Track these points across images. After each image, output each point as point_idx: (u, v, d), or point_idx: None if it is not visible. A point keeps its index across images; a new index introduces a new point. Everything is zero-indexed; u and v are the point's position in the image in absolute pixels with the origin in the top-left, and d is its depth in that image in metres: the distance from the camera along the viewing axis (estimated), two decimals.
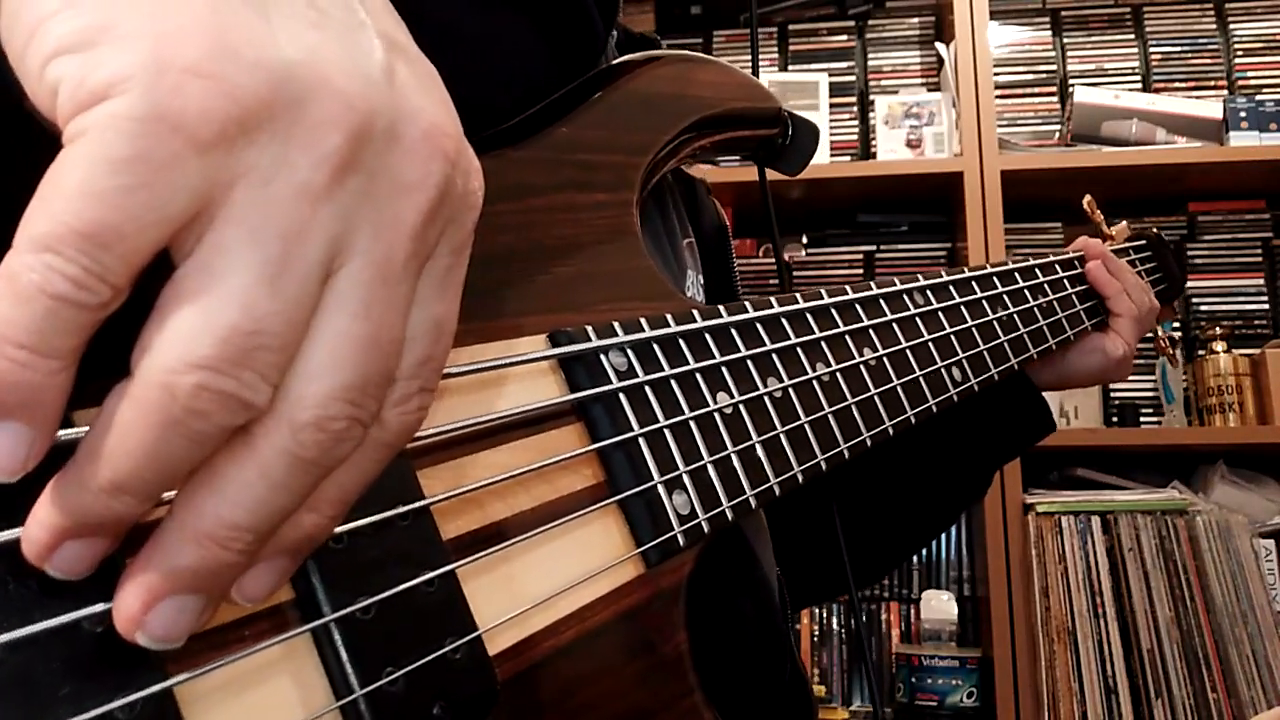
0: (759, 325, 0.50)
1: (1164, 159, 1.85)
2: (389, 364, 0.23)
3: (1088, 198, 1.02)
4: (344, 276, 0.22)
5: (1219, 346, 1.83)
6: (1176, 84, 2.05)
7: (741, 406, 0.46)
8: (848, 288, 0.57)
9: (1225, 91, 2.03)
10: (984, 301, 0.69)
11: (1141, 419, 1.95)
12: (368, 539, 0.30)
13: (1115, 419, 1.94)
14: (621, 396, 0.41)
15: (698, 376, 0.45)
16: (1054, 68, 2.10)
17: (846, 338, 0.55)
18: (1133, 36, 2.10)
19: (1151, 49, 2.07)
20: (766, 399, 0.48)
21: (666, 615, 0.41)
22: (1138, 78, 2.07)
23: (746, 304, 0.50)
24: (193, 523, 0.22)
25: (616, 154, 0.49)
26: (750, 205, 1.85)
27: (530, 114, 0.47)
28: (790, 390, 0.50)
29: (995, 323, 0.69)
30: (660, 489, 0.41)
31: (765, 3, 2.18)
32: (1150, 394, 1.95)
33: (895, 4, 2.19)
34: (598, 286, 0.45)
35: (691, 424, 0.44)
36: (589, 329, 0.41)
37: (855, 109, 2.12)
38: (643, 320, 0.44)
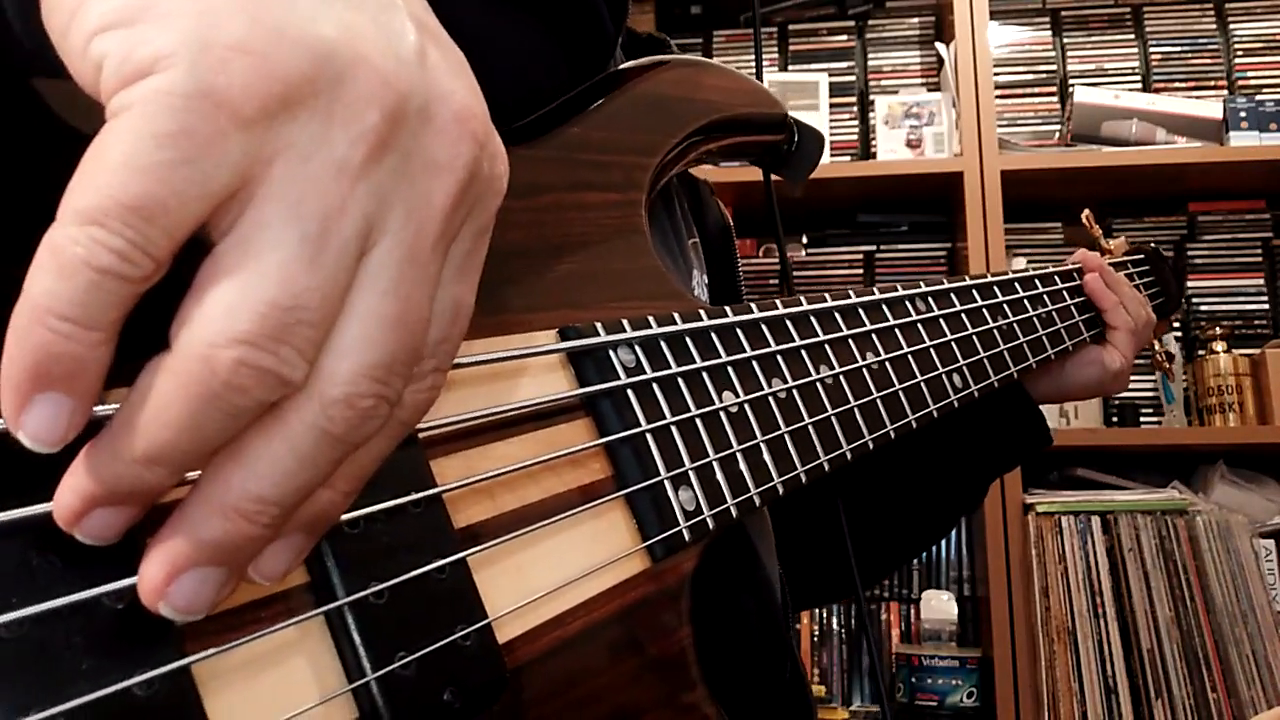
0: (764, 326, 0.50)
1: (1164, 159, 1.85)
2: (416, 342, 0.24)
3: (1086, 211, 1.03)
4: (376, 255, 0.23)
5: (1219, 346, 1.83)
6: (1176, 84, 2.05)
7: (746, 406, 0.47)
8: (851, 291, 0.58)
9: (1225, 91, 2.03)
10: (984, 310, 0.70)
11: (1141, 419, 1.95)
12: (381, 525, 0.31)
13: (1115, 419, 1.94)
14: (629, 392, 0.42)
15: (704, 375, 0.46)
16: (1054, 68, 2.11)
17: (850, 341, 0.56)
18: (1133, 36, 2.10)
19: (1151, 49, 2.08)
20: (771, 399, 0.48)
21: (671, 610, 0.41)
22: (1138, 78, 2.08)
23: (752, 305, 0.50)
24: (220, 495, 0.22)
25: (626, 155, 0.50)
26: (750, 205, 1.85)
27: (542, 114, 0.48)
28: (794, 391, 0.50)
29: (995, 331, 0.70)
30: (666, 484, 0.42)
31: (765, 2, 2.19)
32: (1150, 394, 1.95)
33: (895, 4, 2.20)
34: (606, 284, 0.45)
35: (697, 421, 0.44)
36: (598, 325, 0.42)
37: (855, 109, 2.12)
38: (651, 318, 0.44)
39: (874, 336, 0.58)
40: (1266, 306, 1.96)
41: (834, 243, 2.12)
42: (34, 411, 0.20)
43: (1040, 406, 0.84)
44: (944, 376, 0.62)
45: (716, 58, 2.14)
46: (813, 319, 0.54)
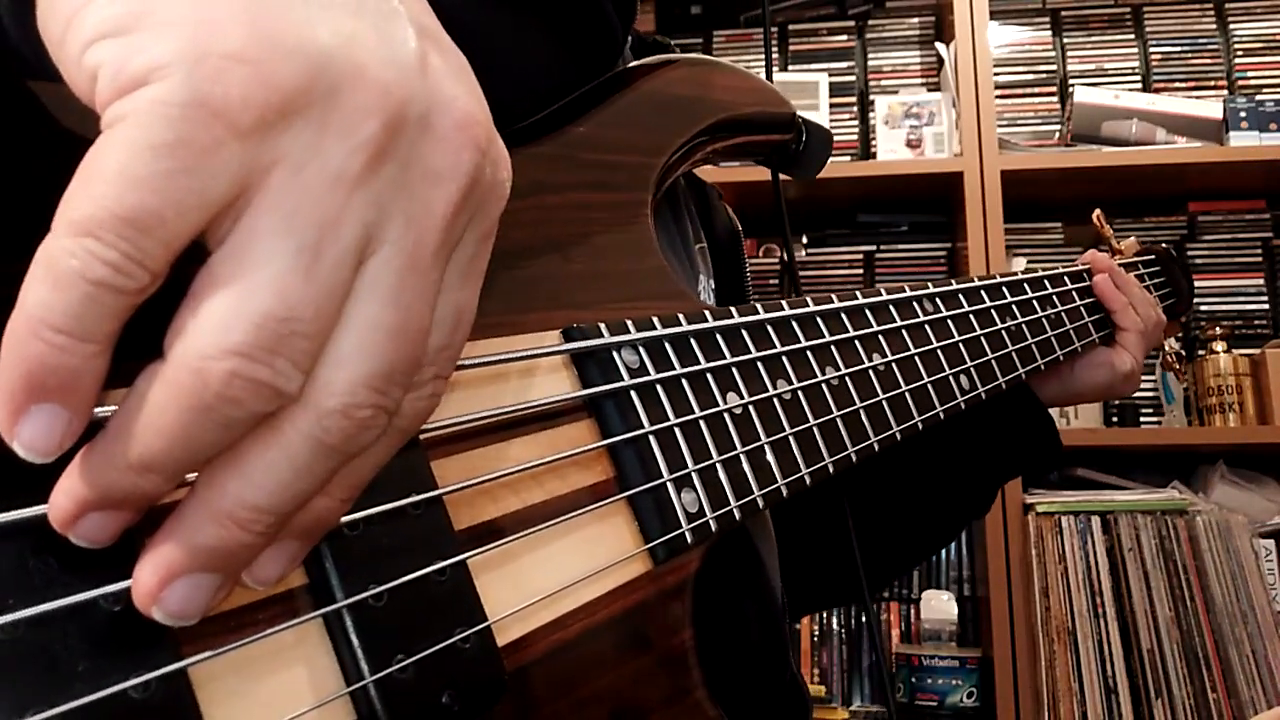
0: (769, 327, 0.50)
1: (1164, 159, 1.85)
2: (416, 352, 0.23)
3: (1097, 212, 1.02)
4: (375, 264, 0.22)
5: (1219, 346, 1.83)
6: (1176, 84, 2.05)
7: (751, 407, 0.47)
8: (858, 292, 0.57)
9: (1225, 91, 2.03)
10: (993, 311, 0.70)
11: (1141, 419, 1.95)
12: (381, 527, 0.30)
13: (1115, 419, 1.94)
14: (633, 394, 0.41)
15: (708, 376, 0.45)
16: (1054, 68, 2.11)
17: (856, 342, 0.55)
18: (1133, 36, 2.10)
19: (1151, 49, 2.08)
20: (775, 401, 0.48)
21: (672, 612, 0.41)
22: (1138, 78, 2.08)
23: (758, 306, 0.50)
24: (215, 502, 0.22)
25: (632, 154, 0.49)
26: (750, 205, 1.85)
27: (547, 113, 0.47)
28: (799, 393, 0.50)
29: (1004, 332, 0.70)
30: (669, 487, 0.41)
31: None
32: (1150, 394, 1.95)
33: (895, 4, 2.20)
34: (611, 285, 0.45)
35: (701, 423, 0.44)
36: (602, 326, 0.41)
37: (855, 109, 2.12)
38: (655, 319, 0.44)
39: (880, 338, 0.57)
40: (1266, 306, 1.96)
41: (834, 243, 2.11)
42: (29, 422, 0.20)
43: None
44: (951, 378, 0.62)
45: (717, 58, 2.13)
46: (818, 320, 0.53)
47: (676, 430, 0.43)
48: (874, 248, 2.09)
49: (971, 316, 0.67)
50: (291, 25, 0.21)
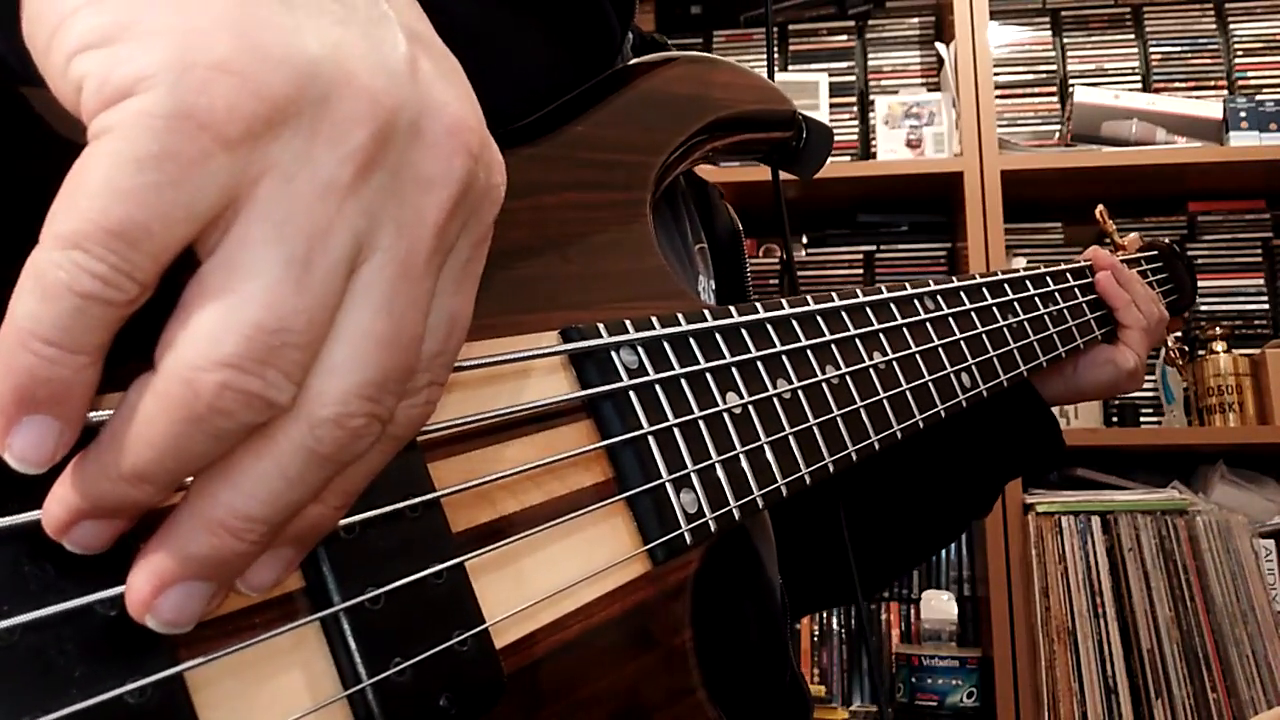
0: (769, 326, 0.50)
1: (1164, 159, 1.85)
2: (409, 360, 0.23)
3: (1100, 207, 1.02)
4: (367, 273, 0.22)
5: (1219, 346, 1.83)
6: (1176, 84, 2.05)
7: (750, 407, 0.47)
8: (858, 290, 0.57)
9: (1225, 91, 2.03)
10: (994, 308, 0.69)
11: (1141, 419, 1.95)
12: (378, 530, 0.30)
13: (1115, 419, 1.94)
14: (632, 394, 0.41)
15: (708, 376, 0.45)
16: (1054, 68, 2.11)
17: (856, 341, 0.55)
18: (1133, 36, 2.10)
19: (1151, 49, 2.08)
20: (775, 400, 0.48)
21: (671, 612, 0.41)
22: (1138, 78, 2.08)
23: (757, 305, 0.50)
24: (207, 511, 0.22)
25: (630, 153, 0.49)
26: (750, 205, 1.85)
27: (545, 113, 0.47)
28: (799, 392, 0.50)
29: (1006, 329, 0.69)
30: (668, 487, 0.41)
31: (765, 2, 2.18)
32: (1150, 394, 1.95)
33: (895, 4, 2.20)
34: (609, 285, 0.45)
35: (700, 423, 0.44)
36: (600, 326, 0.41)
37: (855, 109, 2.12)
38: (654, 319, 0.44)
39: (881, 336, 0.57)
40: (1266, 306, 1.96)
41: (834, 243, 2.11)
42: (20, 434, 0.20)
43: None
44: (952, 376, 0.62)
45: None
46: (819, 319, 0.53)
47: (675, 431, 0.42)
48: (874, 248, 2.09)
49: (973, 313, 0.67)
50: (279, 34, 0.21)
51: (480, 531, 0.35)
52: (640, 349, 0.42)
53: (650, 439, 0.41)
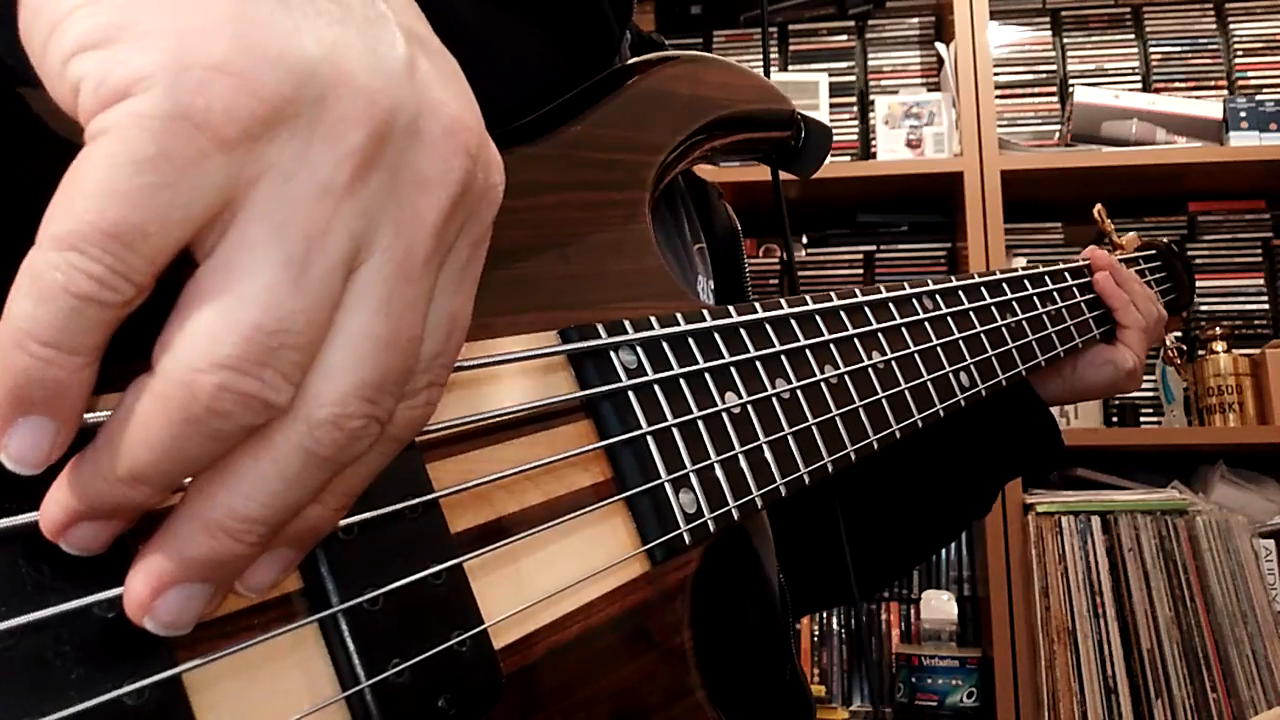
0: (768, 326, 0.50)
1: (1164, 159, 1.85)
2: (408, 361, 0.23)
3: (1098, 207, 1.02)
4: (365, 273, 0.22)
5: (1219, 346, 1.83)
6: (1176, 84, 2.05)
7: (749, 407, 0.47)
8: (857, 290, 0.57)
9: (1225, 91, 2.03)
10: (993, 308, 0.69)
11: (1141, 419, 1.95)
12: (377, 530, 0.30)
13: (1115, 419, 1.94)
14: (630, 394, 0.41)
15: (706, 376, 0.45)
16: (1054, 68, 2.11)
17: (855, 340, 0.55)
18: (1133, 36, 2.10)
19: (1151, 49, 2.07)
20: (774, 400, 0.48)
21: (671, 613, 0.41)
22: (1138, 78, 2.07)
23: (756, 305, 0.50)
24: (205, 513, 0.22)
25: (629, 153, 0.49)
26: (749, 205, 1.85)
27: (544, 112, 0.47)
28: (798, 392, 0.50)
29: (1004, 329, 0.69)
30: (667, 487, 0.41)
31: (766, 2, 2.18)
32: (1150, 394, 1.95)
33: (895, 4, 2.19)
34: (608, 285, 0.45)
35: (699, 423, 0.44)
36: (599, 326, 0.41)
37: (855, 109, 2.12)
38: (653, 319, 0.44)
39: (880, 335, 0.57)
40: (1266, 306, 1.96)
41: (834, 243, 2.11)
42: (16, 434, 0.20)
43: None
44: (951, 375, 0.61)
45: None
46: (818, 318, 0.53)
47: (674, 431, 0.42)
48: (874, 248, 2.09)
49: (972, 313, 0.67)
50: (276, 35, 0.21)
51: (479, 532, 0.34)
52: (639, 349, 0.42)
53: (649, 439, 0.41)
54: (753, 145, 0.62)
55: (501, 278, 0.40)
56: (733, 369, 0.47)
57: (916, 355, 0.59)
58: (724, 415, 0.45)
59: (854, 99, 2.12)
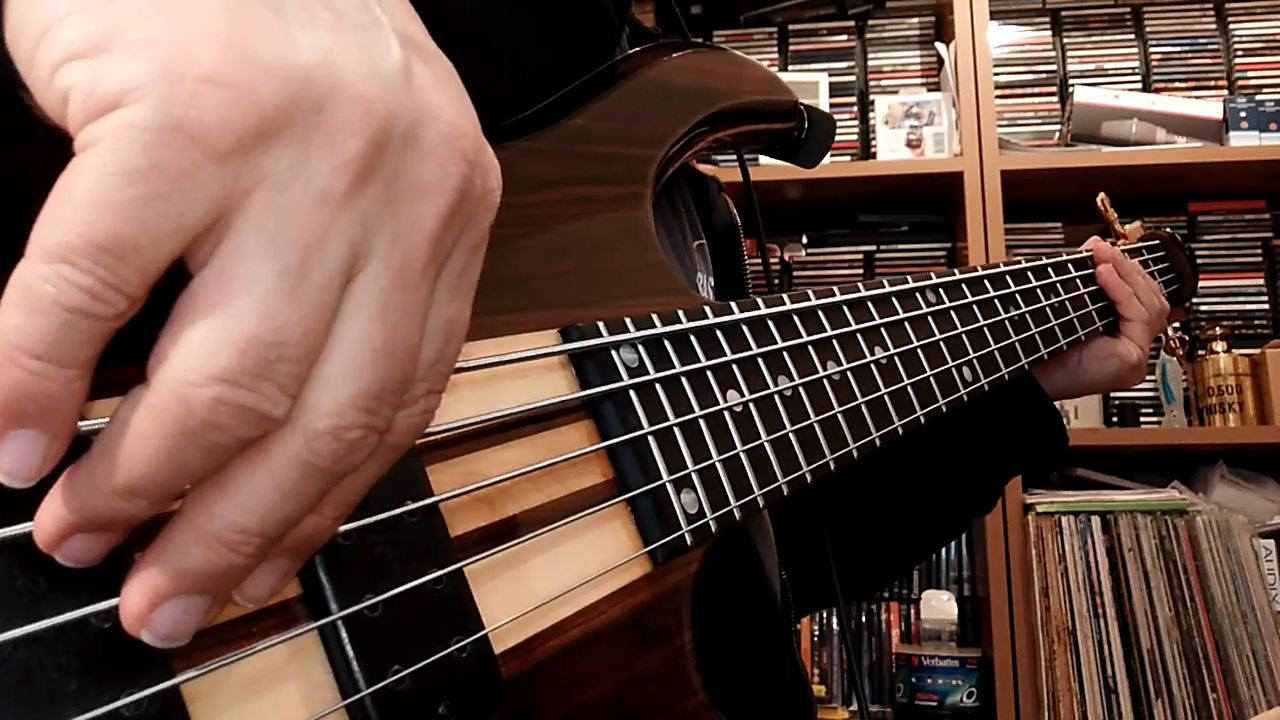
0: (770, 322, 0.49)
1: (1164, 159, 1.85)
2: (406, 370, 0.23)
3: (1101, 196, 1.02)
4: (362, 283, 0.22)
5: (1219, 346, 1.83)
6: (1176, 84, 2.05)
7: (751, 405, 0.46)
8: (860, 285, 0.56)
9: (1225, 91, 2.03)
10: (996, 300, 0.69)
11: (1141, 419, 1.95)
12: (376, 536, 0.30)
13: (1115, 419, 1.94)
14: (632, 394, 0.41)
15: (708, 374, 0.45)
16: (1054, 68, 2.10)
17: (858, 336, 0.55)
18: (1133, 36, 2.10)
19: (1151, 49, 2.07)
20: (777, 398, 0.48)
21: (672, 614, 0.41)
22: (1138, 78, 2.07)
23: (758, 301, 0.49)
24: (202, 525, 0.22)
25: (630, 146, 0.49)
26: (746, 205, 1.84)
27: (543, 106, 0.47)
28: (800, 389, 0.49)
29: (1007, 322, 0.69)
30: (669, 488, 0.41)
31: (765, 2, 2.18)
32: (1150, 394, 1.95)
33: (895, 4, 2.19)
34: (609, 281, 0.44)
35: (701, 423, 0.43)
36: (600, 325, 0.41)
37: (855, 109, 2.12)
38: (654, 316, 0.43)
39: (882, 331, 0.56)
40: (1266, 306, 1.96)
41: (834, 243, 2.11)
42: (8, 448, 0.20)
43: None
44: (954, 370, 0.61)
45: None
46: (820, 314, 0.53)
47: (676, 430, 0.42)
48: (874, 248, 2.08)
49: (975, 307, 0.66)
50: (270, 43, 0.20)
51: (479, 535, 0.34)
52: (640, 347, 0.42)
53: (650, 439, 0.41)
54: (756, 136, 0.62)
55: (501, 275, 0.39)
56: (735, 366, 0.46)
57: (919, 350, 0.59)
58: (726, 414, 0.45)
59: (854, 99, 2.12)
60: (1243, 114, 1.88)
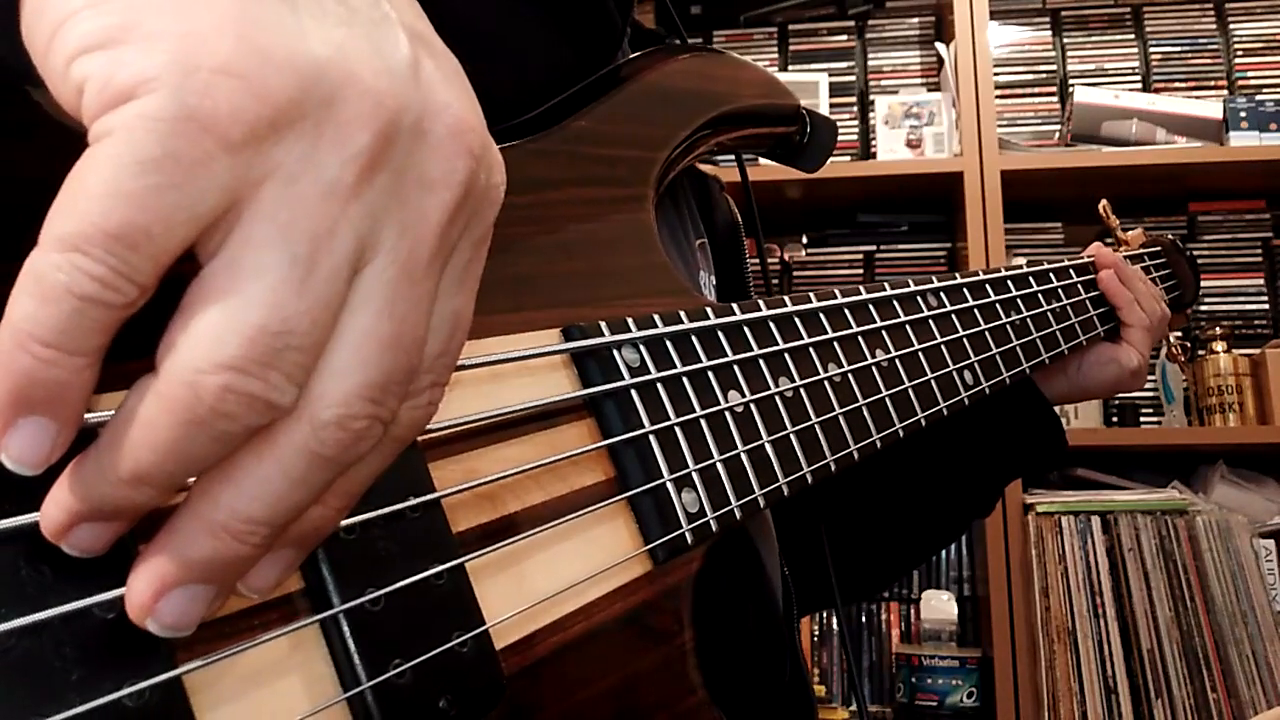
0: (772, 324, 0.49)
1: (1164, 159, 1.85)
2: (412, 361, 0.23)
3: (1103, 203, 1.02)
4: (369, 274, 0.22)
5: (1219, 346, 1.83)
6: (1176, 84, 2.05)
7: (752, 405, 0.46)
8: (861, 288, 0.57)
9: (1225, 91, 2.03)
10: (998, 305, 0.69)
11: (1141, 419, 1.95)
12: (378, 530, 0.30)
13: (1115, 419, 1.94)
14: (633, 393, 0.41)
15: (710, 374, 0.45)
16: (1054, 68, 2.11)
17: (859, 338, 0.55)
18: (1133, 36, 2.10)
19: (1151, 49, 2.07)
20: (777, 398, 0.48)
21: (673, 613, 0.41)
22: (1138, 78, 2.07)
23: (760, 302, 0.49)
24: (208, 514, 0.22)
25: (633, 148, 0.49)
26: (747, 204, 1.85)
27: (548, 107, 0.47)
28: (801, 390, 0.49)
29: (1009, 326, 0.69)
30: (669, 487, 0.41)
31: (765, 2, 2.19)
32: (1150, 394, 1.95)
33: (895, 4, 2.19)
34: (612, 281, 0.45)
35: (702, 422, 0.44)
36: (602, 324, 0.41)
37: (855, 109, 2.12)
38: (656, 316, 0.43)
39: (884, 333, 0.57)
40: (1266, 306, 1.96)
41: (834, 243, 2.11)
42: (17, 435, 0.20)
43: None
44: (955, 373, 0.61)
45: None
46: (821, 316, 0.53)
47: (677, 430, 0.42)
48: (874, 248, 2.09)
49: (976, 310, 0.66)
50: (282, 36, 0.21)
51: (481, 532, 0.34)
52: (642, 347, 0.42)
53: (652, 438, 0.41)
54: (758, 140, 0.62)
55: (504, 275, 0.40)
56: (736, 367, 0.46)
57: (920, 353, 0.59)
58: (727, 414, 0.45)
59: (854, 99, 2.12)
60: (1243, 114, 1.89)
